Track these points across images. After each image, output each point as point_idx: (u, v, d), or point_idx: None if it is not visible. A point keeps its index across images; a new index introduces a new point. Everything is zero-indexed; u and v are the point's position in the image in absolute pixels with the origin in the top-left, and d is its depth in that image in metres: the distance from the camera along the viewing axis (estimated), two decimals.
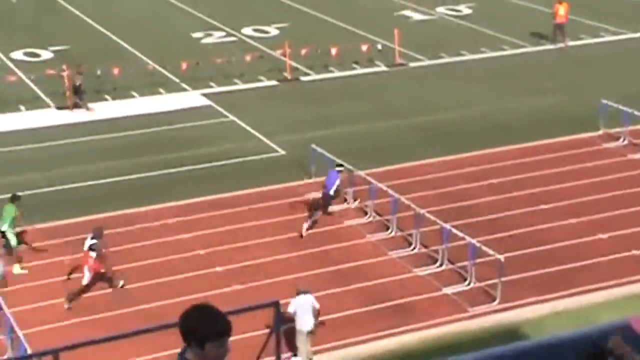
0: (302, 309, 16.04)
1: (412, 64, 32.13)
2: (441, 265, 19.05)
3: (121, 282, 18.25)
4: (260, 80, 30.82)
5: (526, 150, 24.58)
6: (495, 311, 17.59)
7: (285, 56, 31.34)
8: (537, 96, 28.58)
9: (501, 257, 17.78)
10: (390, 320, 17.34)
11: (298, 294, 16.16)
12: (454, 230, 18.89)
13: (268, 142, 25.60)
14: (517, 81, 30.18)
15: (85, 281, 17.90)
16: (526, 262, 19.03)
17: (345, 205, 21.78)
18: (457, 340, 16.56)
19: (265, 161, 24.40)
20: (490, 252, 18.04)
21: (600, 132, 25.32)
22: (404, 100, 28.72)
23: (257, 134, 26.21)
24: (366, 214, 21.24)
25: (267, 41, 34.59)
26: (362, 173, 21.82)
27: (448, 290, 18.30)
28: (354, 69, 31.76)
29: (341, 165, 21.08)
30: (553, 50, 33.33)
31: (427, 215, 19.67)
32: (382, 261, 19.39)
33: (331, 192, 20.48)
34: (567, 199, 21.65)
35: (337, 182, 20.54)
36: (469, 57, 32.58)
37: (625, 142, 24.63)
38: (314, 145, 23.01)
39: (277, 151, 25.02)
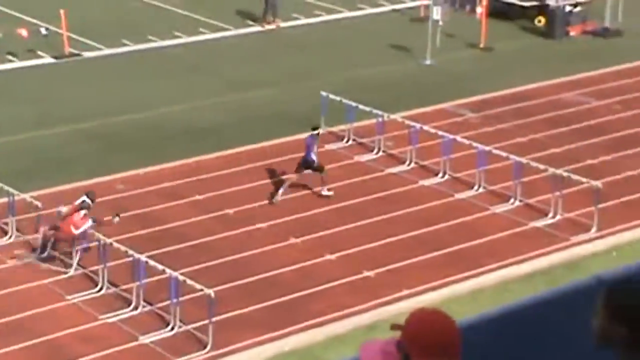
0: None
1: (88, 54, 31.66)
2: (136, 307, 18.83)
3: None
4: None
5: (234, 157, 24.99)
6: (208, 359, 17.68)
7: None
8: (245, 90, 29.17)
9: (211, 291, 17.88)
10: None
11: None
12: (151, 262, 18.75)
13: None
14: (219, 72, 30.65)
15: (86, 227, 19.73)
16: (243, 295, 19.30)
17: (5, 240, 20.97)
18: None
19: None
20: (198, 286, 18.09)
21: (322, 130, 26.27)
22: (77, 100, 28.19)
23: None
24: (34, 250, 20.59)
25: None
26: (27, 196, 21.12)
27: (147, 338, 18.12)
28: (9, 61, 30.75)
29: (317, 128, 23.33)
30: (262, 32, 34.23)
31: (116, 244, 19.39)
32: (58, 309, 18.87)
33: (314, 156, 22.72)
34: (286, 215, 22.25)
35: (314, 148, 22.79)
36: (159, 43, 32.66)
37: (350, 142, 25.76)
38: None
39: None
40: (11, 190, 21.04)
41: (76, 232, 19.88)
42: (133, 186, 23.27)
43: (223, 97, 28.76)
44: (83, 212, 20.10)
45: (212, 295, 17.82)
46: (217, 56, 32.05)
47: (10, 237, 21.01)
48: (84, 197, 20.35)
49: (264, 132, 26.25)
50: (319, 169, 22.96)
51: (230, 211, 22.41)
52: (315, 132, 23.28)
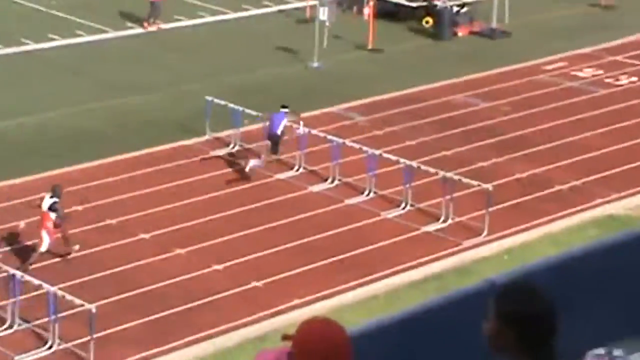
0: None
1: None
2: (11, 326, 18.46)
3: (76, 247, 20.36)
4: None
5: (115, 165, 24.70)
6: None
7: None
8: (125, 95, 28.84)
9: (92, 306, 17.64)
10: None
11: None
12: (27, 277, 18.41)
13: None
14: (97, 76, 30.26)
15: (45, 247, 19.92)
16: (126, 310, 19.08)
17: None
18: None
19: None
20: (78, 301, 17.83)
21: (207, 136, 26.21)
22: None
23: None
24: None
25: None
26: None
27: (23, 358, 17.77)
28: None
29: (286, 107, 24.78)
30: (143, 35, 33.92)
31: None
32: None
33: (278, 132, 24.41)
34: (169, 225, 22.08)
35: (284, 121, 24.53)
36: (33, 46, 32.11)
37: (237, 147, 25.72)
38: None
39: None
40: None
41: (46, 238, 20.05)
42: (5, 198, 22.78)
43: (102, 102, 28.37)
44: (54, 215, 20.24)
45: (93, 310, 17.58)
46: (95, 59, 31.63)
47: None
48: (54, 199, 20.24)
49: (146, 138, 26.00)
50: (275, 148, 24.39)
51: (113, 221, 22.15)
52: (285, 110, 24.71)
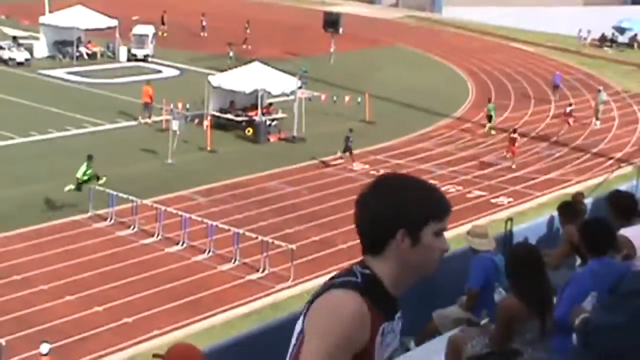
0: None
1: None
2: None
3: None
4: None
5: (13, 238, 23.67)
6: None
7: None
8: (24, 184, 27.78)
9: (2, 340, 16.77)
10: None
11: None
12: None
13: None
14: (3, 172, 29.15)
15: None
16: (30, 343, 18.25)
17: None
18: None
19: None
20: None
21: (90, 213, 25.55)
22: None
23: None
24: None
25: None
26: None
27: None
28: None
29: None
30: (42, 140, 32.86)
31: None
32: None
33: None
34: (63, 278, 21.32)
35: None
36: None
37: (112, 221, 25.17)
38: None
39: None
40: None
41: None
42: None
43: (5, 191, 27.24)
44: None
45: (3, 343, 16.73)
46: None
47: None
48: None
49: (42, 216, 25.03)
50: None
51: (17, 278, 21.19)
52: None
